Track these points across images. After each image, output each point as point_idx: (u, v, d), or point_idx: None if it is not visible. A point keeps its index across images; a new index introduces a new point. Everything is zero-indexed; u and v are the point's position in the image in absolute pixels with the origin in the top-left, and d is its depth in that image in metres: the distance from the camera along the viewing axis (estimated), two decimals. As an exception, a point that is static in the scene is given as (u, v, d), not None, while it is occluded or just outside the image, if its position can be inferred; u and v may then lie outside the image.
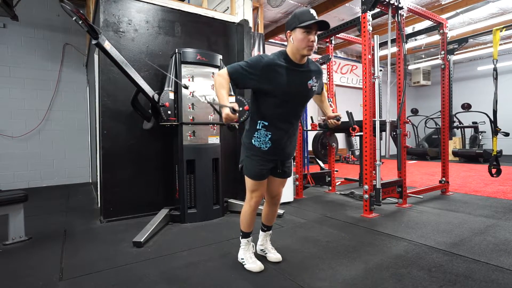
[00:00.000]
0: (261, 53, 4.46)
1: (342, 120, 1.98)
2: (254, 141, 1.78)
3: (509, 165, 6.55)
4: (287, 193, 3.61)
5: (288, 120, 1.78)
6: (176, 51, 2.95)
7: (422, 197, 3.66)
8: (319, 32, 1.96)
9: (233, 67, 1.69)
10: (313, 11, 1.61)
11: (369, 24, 3.05)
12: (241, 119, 3.18)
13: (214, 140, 3.08)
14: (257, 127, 1.77)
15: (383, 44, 3.98)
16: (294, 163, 3.90)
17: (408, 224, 2.73)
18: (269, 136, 1.76)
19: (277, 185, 1.96)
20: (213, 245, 2.32)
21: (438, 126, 8.46)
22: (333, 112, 1.95)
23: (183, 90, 2.91)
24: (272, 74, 1.65)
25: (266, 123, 1.76)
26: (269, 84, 1.66)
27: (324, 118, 2.96)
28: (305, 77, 1.75)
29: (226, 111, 1.58)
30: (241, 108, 3.19)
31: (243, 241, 1.96)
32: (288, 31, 1.67)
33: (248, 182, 1.84)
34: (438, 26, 3.97)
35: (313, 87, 1.79)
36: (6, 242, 2.41)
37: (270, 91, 1.68)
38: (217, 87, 1.68)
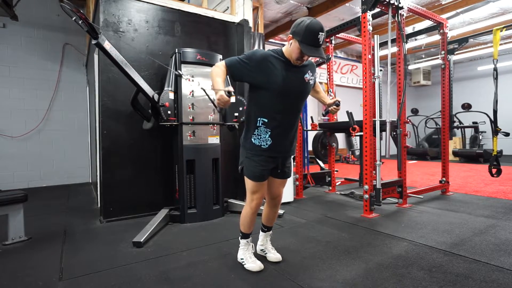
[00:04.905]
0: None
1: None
2: (254, 139, 1.78)
3: (509, 165, 6.54)
4: (287, 193, 3.60)
5: (288, 116, 1.79)
6: (176, 51, 2.94)
7: (422, 197, 3.65)
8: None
9: (230, 59, 1.75)
10: (320, 35, 1.58)
11: (369, 24, 3.05)
12: (241, 119, 3.18)
13: (214, 140, 3.07)
14: (257, 125, 1.77)
15: (383, 44, 3.98)
16: (294, 163, 3.89)
17: (408, 224, 2.73)
18: (269, 133, 1.76)
19: (278, 186, 1.95)
20: (213, 245, 2.32)
21: (438, 126, 8.46)
22: (332, 99, 1.97)
23: (183, 90, 2.92)
24: (267, 67, 1.68)
25: (266, 120, 1.75)
26: (264, 76, 1.68)
27: (324, 116, 2.95)
28: (301, 72, 1.78)
29: (220, 93, 1.58)
30: (241, 108, 3.19)
31: (243, 241, 1.96)
32: (290, 35, 1.66)
33: (249, 183, 1.83)
34: (438, 26, 3.97)
35: (310, 81, 1.82)
36: (6, 242, 2.40)
37: (266, 84, 1.70)
38: (213, 75, 1.69)
